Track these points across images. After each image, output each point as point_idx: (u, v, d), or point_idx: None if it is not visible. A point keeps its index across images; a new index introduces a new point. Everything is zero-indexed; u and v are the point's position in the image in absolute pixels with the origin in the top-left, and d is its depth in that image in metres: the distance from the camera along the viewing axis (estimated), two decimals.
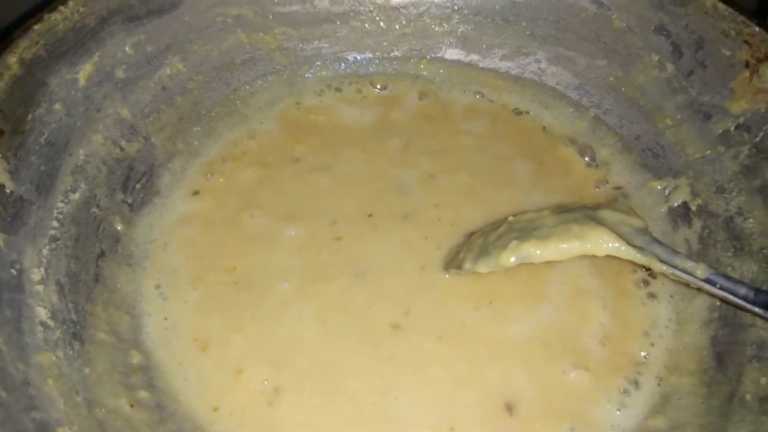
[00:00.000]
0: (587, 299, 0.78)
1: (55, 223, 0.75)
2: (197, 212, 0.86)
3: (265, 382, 0.72)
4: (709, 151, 0.83)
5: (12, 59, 0.73)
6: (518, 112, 0.98)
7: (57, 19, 0.78)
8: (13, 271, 0.68)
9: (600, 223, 0.69)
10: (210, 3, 0.92)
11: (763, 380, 0.67)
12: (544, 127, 0.96)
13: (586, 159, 0.92)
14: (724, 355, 0.72)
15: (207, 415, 0.70)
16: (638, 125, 0.92)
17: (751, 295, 0.64)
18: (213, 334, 0.75)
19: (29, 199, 0.73)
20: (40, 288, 0.70)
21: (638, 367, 0.74)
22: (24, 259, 0.70)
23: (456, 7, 1.01)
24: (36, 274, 0.70)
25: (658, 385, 0.73)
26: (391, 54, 1.03)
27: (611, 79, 0.94)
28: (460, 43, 1.02)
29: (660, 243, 0.70)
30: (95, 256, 0.78)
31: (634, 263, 0.71)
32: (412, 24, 1.02)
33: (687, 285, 0.70)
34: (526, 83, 1.00)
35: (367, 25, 1.01)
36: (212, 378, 0.72)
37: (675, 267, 0.68)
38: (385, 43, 1.03)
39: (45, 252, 0.72)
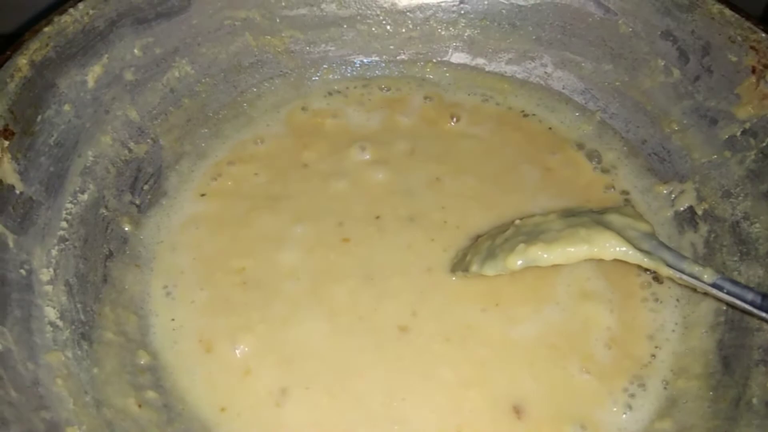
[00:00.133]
0: (594, 302, 0.79)
1: (63, 224, 0.75)
2: (204, 214, 0.87)
3: (273, 383, 0.72)
4: (716, 156, 0.83)
5: (22, 61, 0.74)
6: (524, 116, 0.98)
7: (67, 21, 0.79)
8: (23, 272, 0.69)
9: (607, 227, 0.69)
10: (218, 6, 0.93)
11: None
12: (550, 131, 0.96)
13: (593, 163, 0.93)
14: (731, 358, 0.72)
15: (214, 415, 0.70)
16: (644, 130, 0.92)
17: (758, 300, 0.64)
18: (220, 334, 0.76)
19: (38, 199, 0.73)
20: (49, 288, 0.70)
21: (645, 371, 0.74)
22: (33, 260, 0.70)
23: (462, 12, 1.01)
24: (45, 275, 0.71)
25: (665, 388, 0.73)
26: (398, 57, 1.03)
27: (617, 83, 0.94)
28: (466, 46, 1.02)
29: (667, 247, 0.70)
30: (103, 257, 0.78)
31: (641, 267, 0.71)
32: (418, 28, 1.02)
33: (694, 289, 0.70)
34: (532, 87, 1.00)
35: (373, 29, 1.02)
36: (219, 378, 0.73)
37: (682, 271, 0.68)
38: (391, 47, 1.03)
39: (54, 252, 0.73)
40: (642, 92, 0.92)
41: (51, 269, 0.71)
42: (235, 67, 0.97)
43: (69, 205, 0.77)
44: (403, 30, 1.03)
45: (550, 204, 0.86)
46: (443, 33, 1.03)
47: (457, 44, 1.03)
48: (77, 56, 0.80)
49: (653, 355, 0.75)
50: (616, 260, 0.69)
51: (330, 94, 1.01)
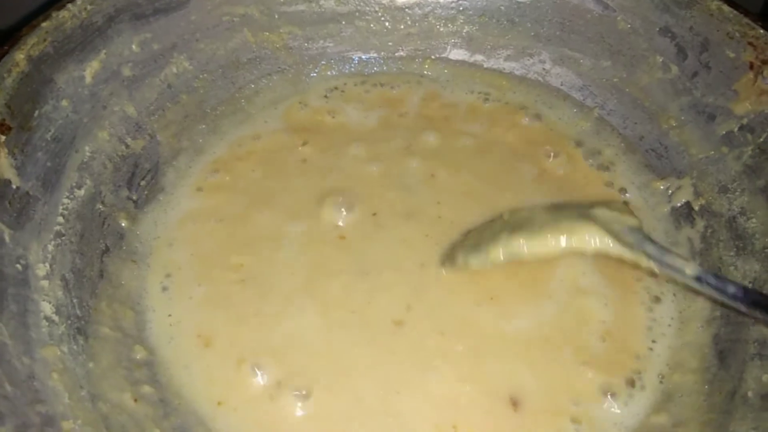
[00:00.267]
0: (589, 297, 0.78)
1: (60, 219, 0.75)
2: (202, 210, 0.87)
3: (269, 378, 0.72)
4: (713, 152, 0.83)
5: (20, 56, 0.74)
6: (522, 113, 0.98)
7: (65, 16, 0.79)
8: (19, 267, 0.68)
9: (591, 220, 0.69)
10: (216, 2, 0.93)
11: (765, 377, 0.67)
12: (548, 128, 0.96)
13: (590, 159, 0.92)
14: (727, 352, 0.72)
15: (211, 409, 0.70)
16: (642, 126, 0.92)
17: (740, 293, 0.64)
18: (217, 329, 0.76)
19: (35, 194, 0.73)
20: (45, 283, 0.70)
21: (641, 365, 0.74)
22: (29, 255, 0.70)
23: (461, 8, 1.01)
24: (41, 270, 0.71)
25: (661, 382, 0.73)
26: (396, 54, 1.03)
27: (615, 80, 0.94)
28: (464, 43, 1.03)
29: (652, 241, 0.69)
30: (100, 252, 0.78)
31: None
32: (417, 24, 1.02)
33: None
34: (530, 84, 1.00)
35: (372, 25, 1.02)
36: (216, 373, 0.72)
37: (664, 265, 0.67)
38: (390, 43, 1.03)
39: (50, 247, 0.73)
40: (640, 88, 0.92)
41: (47, 264, 0.71)
42: (233, 63, 0.97)
43: (66, 201, 0.77)
44: (402, 26, 1.03)
45: (547, 200, 0.85)
46: (442, 29, 1.03)
47: (456, 41, 1.03)
48: (75, 52, 0.80)
49: (650, 349, 0.75)
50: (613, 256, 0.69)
51: (328, 90, 1.01)
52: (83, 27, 0.81)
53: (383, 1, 1.01)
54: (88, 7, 0.81)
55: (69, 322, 0.70)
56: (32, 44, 0.75)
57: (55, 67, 0.78)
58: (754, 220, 0.77)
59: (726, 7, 0.82)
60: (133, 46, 0.87)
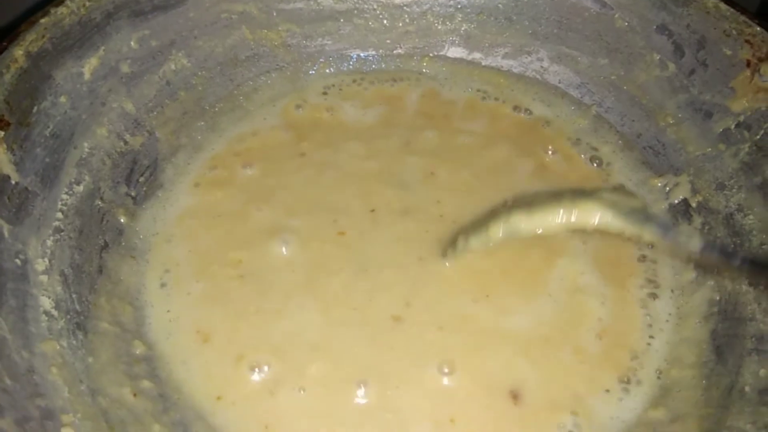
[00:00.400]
0: (587, 294, 0.79)
1: (59, 215, 0.75)
2: (200, 206, 0.87)
3: (268, 373, 0.72)
4: (710, 149, 0.84)
5: (18, 52, 0.74)
6: (520, 110, 0.98)
7: (63, 13, 0.79)
8: (18, 261, 0.69)
9: (593, 196, 0.68)
10: None
11: (762, 372, 0.67)
12: (545, 125, 0.97)
13: (588, 157, 0.93)
14: (724, 348, 0.72)
15: (210, 404, 0.70)
16: (640, 123, 0.92)
17: (746, 263, 0.63)
18: (216, 325, 0.76)
19: (34, 190, 0.73)
20: (44, 278, 0.70)
21: (639, 360, 0.74)
22: (28, 250, 0.70)
23: (459, 6, 1.01)
24: (40, 265, 0.71)
25: (658, 377, 0.73)
26: (394, 52, 1.04)
27: (613, 77, 0.95)
28: (462, 41, 1.03)
29: (656, 217, 0.68)
30: (99, 248, 0.79)
31: (637, 259, 0.70)
32: (415, 22, 1.03)
33: (688, 281, 0.70)
34: (528, 81, 1.00)
35: (370, 23, 1.02)
36: (215, 368, 0.72)
37: (669, 237, 0.66)
38: (388, 41, 1.03)
39: (49, 243, 0.73)
40: (637, 86, 0.92)
41: (46, 259, 0.71)
42: (231, 61, 0.97)
43: (64, 196, 0.77)
44: (400, 24, 1.03)
45: None
46: (440, 27, 1.03)
47: (454, 39, 1.03)
48: (74, 48, 0.80)
49: (648, 345, 0.76)
50: (610, 254, 0.69)
51: (326, 88, 1.01)
52: (82, 23, 0.81)
53: None
54: (87, 4, 0.81)
55: (68, 317, 0.70)
56: (31, 40, 0.75)
57: (54, 63, 0.78)
58: (751, 216, 0.77)
59: (723, 5, 0.82)
60: (132, 43, 0.87)
